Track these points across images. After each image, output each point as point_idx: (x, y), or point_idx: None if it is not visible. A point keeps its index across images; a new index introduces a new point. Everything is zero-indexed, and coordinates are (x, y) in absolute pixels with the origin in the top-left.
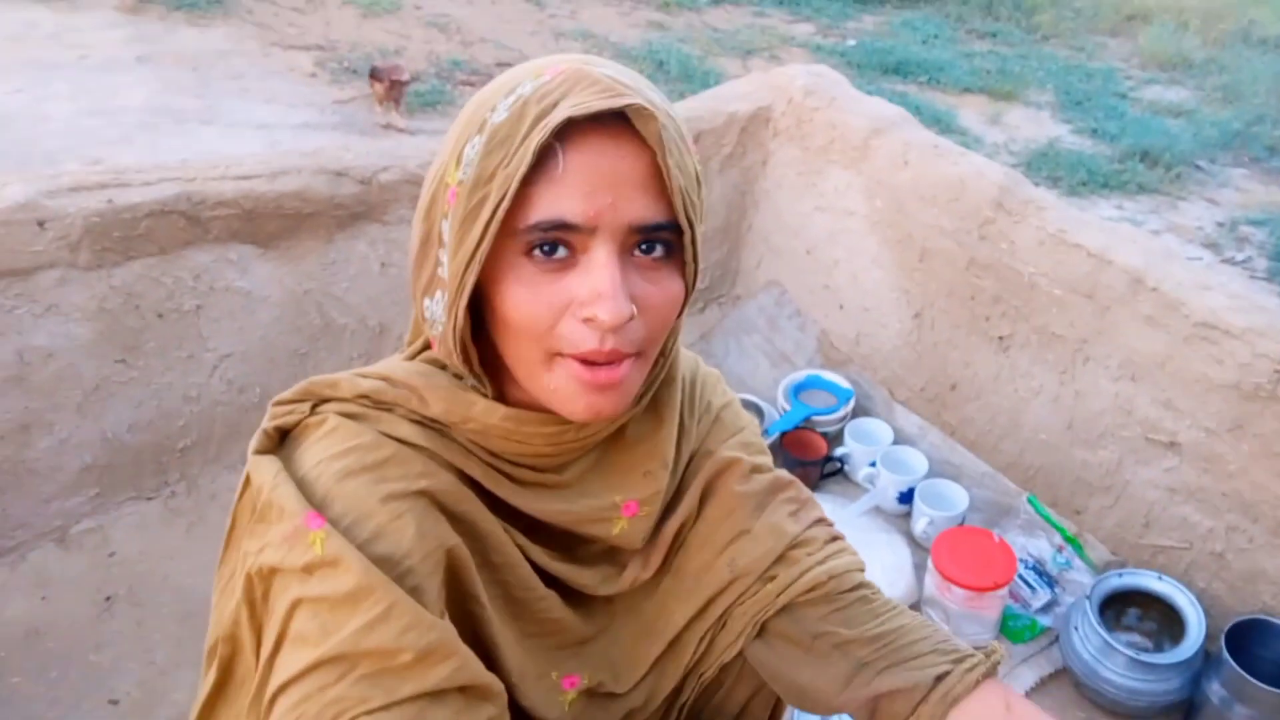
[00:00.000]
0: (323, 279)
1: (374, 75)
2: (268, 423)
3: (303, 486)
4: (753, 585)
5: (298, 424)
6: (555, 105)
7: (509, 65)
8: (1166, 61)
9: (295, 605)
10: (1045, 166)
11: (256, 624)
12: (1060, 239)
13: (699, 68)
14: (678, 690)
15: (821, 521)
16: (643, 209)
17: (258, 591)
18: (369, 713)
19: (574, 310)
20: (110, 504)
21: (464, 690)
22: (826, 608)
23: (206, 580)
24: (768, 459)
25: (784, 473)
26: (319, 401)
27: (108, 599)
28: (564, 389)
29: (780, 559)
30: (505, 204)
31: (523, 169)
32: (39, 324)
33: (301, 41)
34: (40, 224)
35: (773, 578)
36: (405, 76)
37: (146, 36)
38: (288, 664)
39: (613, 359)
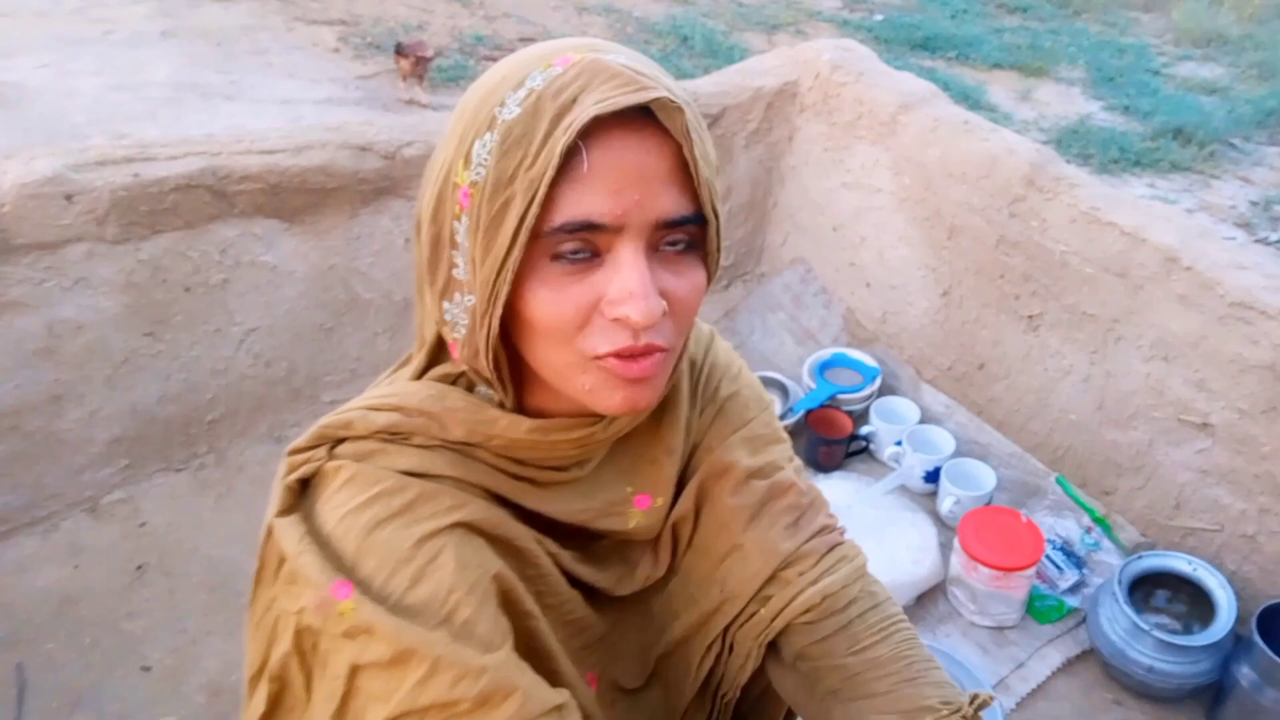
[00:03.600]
0: (347, 254)
1: (399, 51)
2: (286, 475)
3: (331, 545)
4: (747, 607)
5: (316, 472)
6: (574, 100)
7: (532, 40)
8: (1200, 38)
9: (355, 670)
10: (1076, 144)
11: (306, 668)
12: (1093, 217)
13: (724, 43)
14: (710, 713)
15: (824, 530)
16: (669, 204)
17: (307, 644)
18: None
19: (603, 309)
20: (140, 475)
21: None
22: (811, 632)
23: (235, 551)
24: (779, 451)
25: (786, 475)
26: (335, 444)
27: (139, 568)
28: (600, 385)
29: (773, 579)
30: (534, 209)
31: (549, 173)
32: (68, 297)
33: (324, 16)
34: (68, 198)
35: (767, 599)
36: (430, 53)
37: (171, 11)
38: (371, 718)
39: (649, 352)
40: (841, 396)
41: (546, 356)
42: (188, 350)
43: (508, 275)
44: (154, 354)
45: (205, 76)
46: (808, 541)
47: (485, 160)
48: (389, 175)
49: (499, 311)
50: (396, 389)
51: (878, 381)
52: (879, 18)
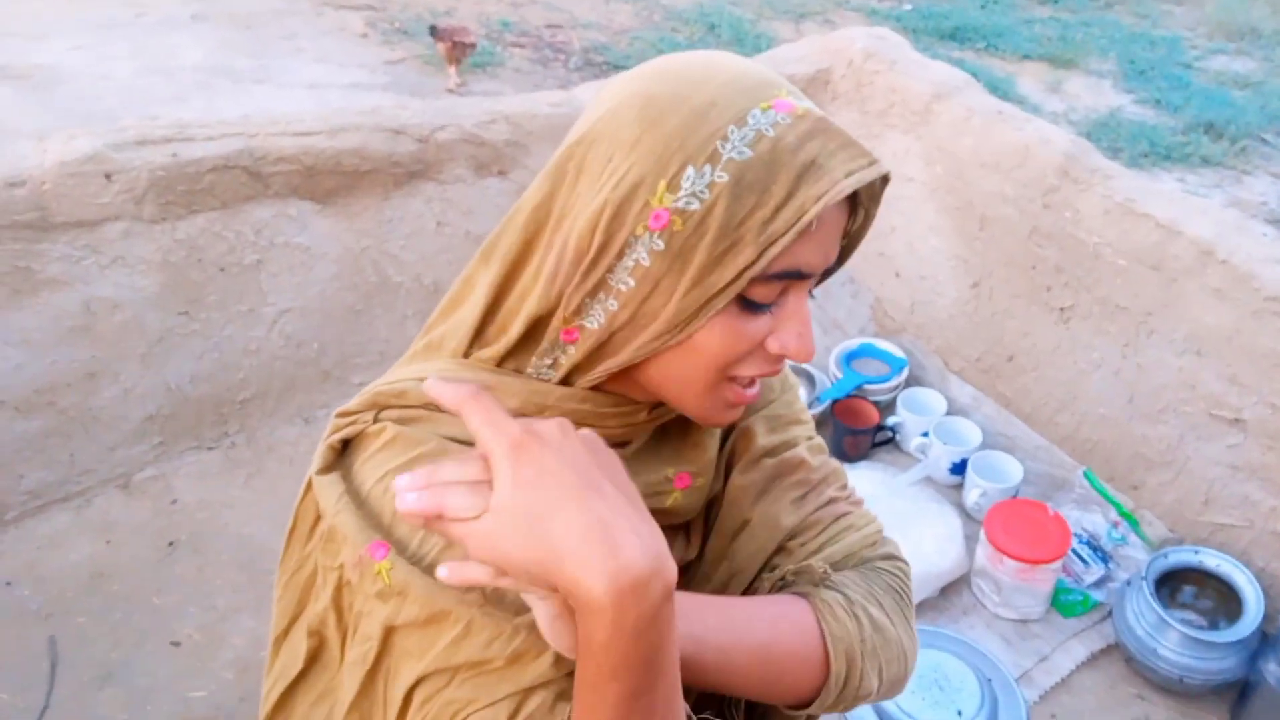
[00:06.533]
0: (379, 236)
1: (435, 35)
2: (331, 435)
3: (369, 505)
4: (753, 584)
5: (359, 433)
6: (814, 162)
7: (559, 27)
8: (1234, 31)
9: (390, 631)
10: (1106, 137)
11: (343, 628)
12: (1128, 208)
13: (751, 31)
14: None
15: (831, 502)
16: (833, 254)
17: (344, 602)
18: (476, 711)
19: (767, 344)
20: (172, 453)
21: (560, 678)
22: None
23: (265, 529)
24: (799, 430)
25: (797, 452)
26: (383, 410)
27: (170, 545)
28: (719, 404)
29: (779, 550)
30: (763, 263)
31: (791, 234)
32: (105, 275)
33: (352, 2)
34: (107, 176)
35: (773, 569)
36: (471, 39)
37: None
38: (405, 674)
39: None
40: (868, 387)
41: (689, 374)
42: (221, 330)
43: (710, 311)
44: (188, 333)
45: (235, 61)
46: (813, 513)
47: (703, 194)
48: (422, 159)
49: (679, 339)
50: (448, 364)
51: (905, 372)
52: (908, 7)
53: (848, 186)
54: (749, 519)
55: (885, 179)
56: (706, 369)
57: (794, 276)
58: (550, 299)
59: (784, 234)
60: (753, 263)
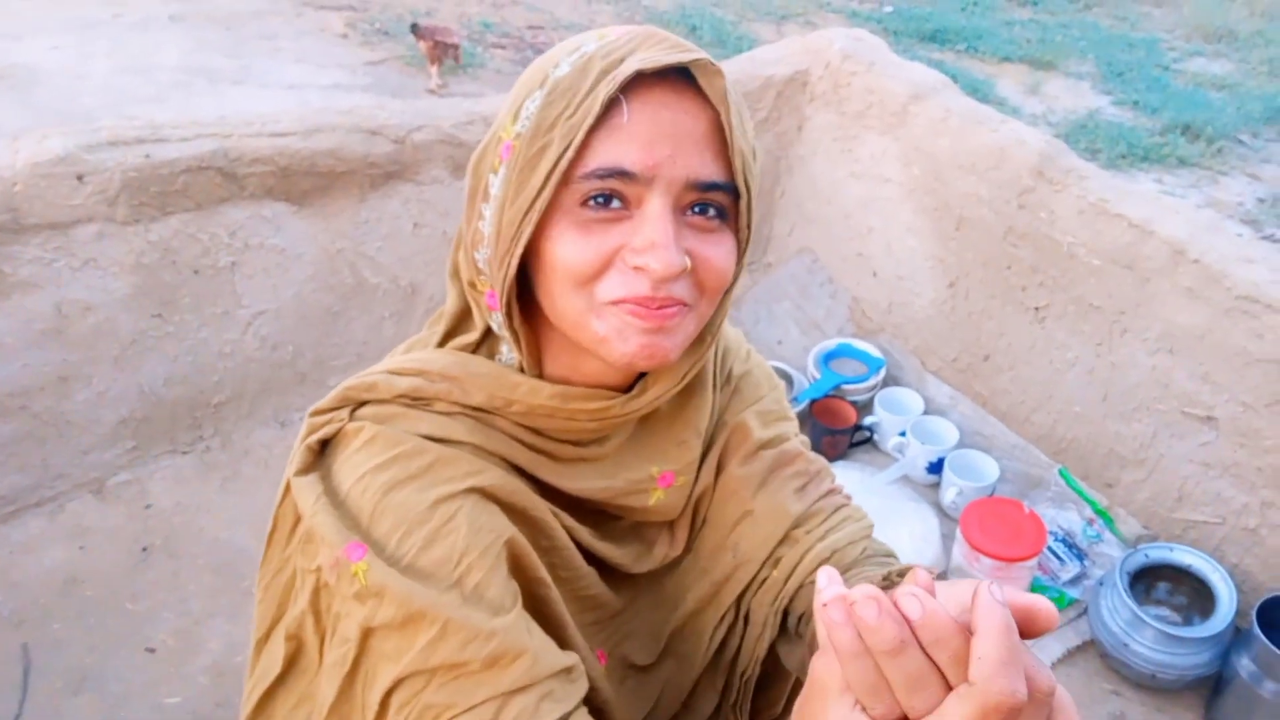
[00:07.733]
0: (355, 238)
1: (416, 33)
2: (308, 436)
3: (349, 504)
4: (760, 572)
5: (337, 433)
6: (622, 60)
7: (540, 29)
8: (1211, 33)
9: (367, 633)
10: (1084, 138)
11: (321, 630)
12: (1101, 209)
13: (732, 33)
14: (725, 689)
15: (831, 493)
16: (700, 165)
17: (323, 604)
18: (454, 717)
19: (624, 257)
20: (146, 457)
21: (542, 681)
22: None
23: (240, 533)
24: (787, 426)
25: (793, 445)
26: (357, 406)
27: (144, 550)
28: (615, 332)
29: (783, 540)
30: (570, 153)
31: (589, 119)
32: (77, 277)
33: (333, 2)
34: (79, 178)
35: (778, 560)
36: (454, 39)
37: None
38: (383, 677)
39: (666, 304)
40: (846, 387)
41: (564, 304)
42: (195, 332)
43: (534, 216)
44: (162, 336)
45: (214, 61)
46: (815, 503)
47: (532, 112)
48: (398, 160)
49: (518, 251)
50: (419, 355)
51: (882, 372)
52: (889, 9)
53: (627, 69)
54: (751, 509)
55: (714, 71)
56: (573, 289)
57: (621, 175)
58: (468, 265)
59: (582, 123)
60: (559, 157)
